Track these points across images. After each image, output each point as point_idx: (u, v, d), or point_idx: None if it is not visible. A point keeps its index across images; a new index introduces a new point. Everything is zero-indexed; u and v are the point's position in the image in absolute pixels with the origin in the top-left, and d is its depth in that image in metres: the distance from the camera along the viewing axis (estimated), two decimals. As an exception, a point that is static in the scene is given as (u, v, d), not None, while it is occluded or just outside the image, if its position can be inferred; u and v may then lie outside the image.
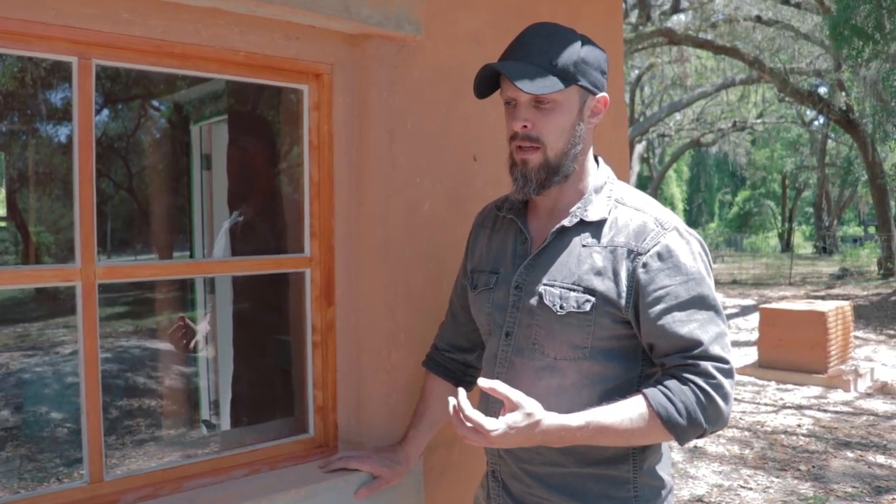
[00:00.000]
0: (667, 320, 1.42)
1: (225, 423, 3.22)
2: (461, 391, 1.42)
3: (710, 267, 1.52)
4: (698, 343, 1.41)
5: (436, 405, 1.82)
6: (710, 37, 19.27)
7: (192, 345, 3.02)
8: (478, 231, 1.76)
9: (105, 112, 4.32)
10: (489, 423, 1.36)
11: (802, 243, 41.37)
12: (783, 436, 6.15)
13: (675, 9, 18.33)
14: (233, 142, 2.89)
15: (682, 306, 1.43)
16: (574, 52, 1.50)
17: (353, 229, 1.99)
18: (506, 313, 1.57)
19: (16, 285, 1.58)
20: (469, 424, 1.37)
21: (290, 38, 1.83)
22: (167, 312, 4.27)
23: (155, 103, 4.21)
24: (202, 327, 3.04)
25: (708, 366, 1.40)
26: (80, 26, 1.53)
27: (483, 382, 1.42)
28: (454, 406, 1.40)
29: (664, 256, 1.45)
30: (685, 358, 1.42)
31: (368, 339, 1.98)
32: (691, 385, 1.40)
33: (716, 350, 1.42)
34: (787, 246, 36.08)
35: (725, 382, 1.41)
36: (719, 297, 1.52)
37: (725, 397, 1.41)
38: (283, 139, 2.81)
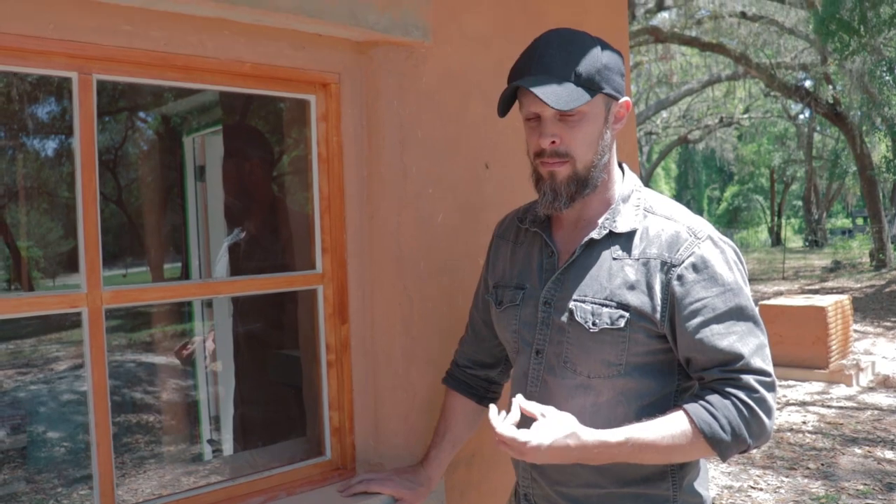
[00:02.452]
0: (705, 333, 1.36)
1: (227, 441, 3.15)
2: (492, 407, 1.39)
3: (746, 274, 1.46)
4: (739, 356, 1.36)
5: (457, 423, 1.76)
6: (695, 34, 19.31)
7: (199, 361, 2.94)
8: (499, 243, 1.69)
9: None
10: (522, 435, 1.31)
11: (792, 237, 41.51)
12: (789, 434, 6.11)
13: (660, 6, 18.32)
14: (228, 154, 2.81)
15: (720, 318, 1.37)
16: (596, 59, 1.43)
17: (365, 243, 1.93)
18: (535, 330, 1.50)
19: (19, 314, 1.51)
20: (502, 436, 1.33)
21: (297, 48, 1.77)
22: (161, 325, 4.20)
23: (145, 115, 4.13)
24: (207, 345, 2.97)
25: (750, 379, 1.35)
26: (80, 40, 1.47)
27: (516, 401, 1.39)
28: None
29: (699, 267, 1.39)
30: (726, 371, 1.36)
31: (384, 356, 1.92)
32: (734, 399, 1.34)
33: (757, 363, 1.36)
34: (777, 240, 36.24)
35: (768, 396, 1.35)
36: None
37: (769, 411, 1.36)
38: (282, 150, 2.74)
